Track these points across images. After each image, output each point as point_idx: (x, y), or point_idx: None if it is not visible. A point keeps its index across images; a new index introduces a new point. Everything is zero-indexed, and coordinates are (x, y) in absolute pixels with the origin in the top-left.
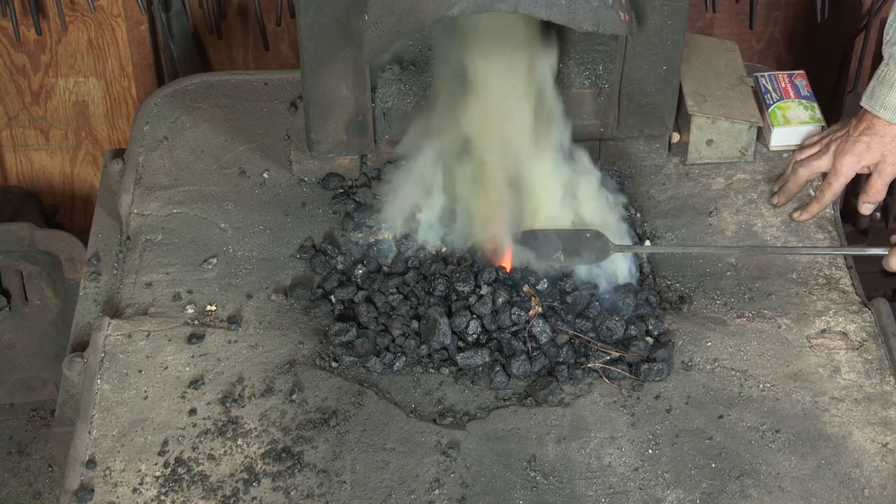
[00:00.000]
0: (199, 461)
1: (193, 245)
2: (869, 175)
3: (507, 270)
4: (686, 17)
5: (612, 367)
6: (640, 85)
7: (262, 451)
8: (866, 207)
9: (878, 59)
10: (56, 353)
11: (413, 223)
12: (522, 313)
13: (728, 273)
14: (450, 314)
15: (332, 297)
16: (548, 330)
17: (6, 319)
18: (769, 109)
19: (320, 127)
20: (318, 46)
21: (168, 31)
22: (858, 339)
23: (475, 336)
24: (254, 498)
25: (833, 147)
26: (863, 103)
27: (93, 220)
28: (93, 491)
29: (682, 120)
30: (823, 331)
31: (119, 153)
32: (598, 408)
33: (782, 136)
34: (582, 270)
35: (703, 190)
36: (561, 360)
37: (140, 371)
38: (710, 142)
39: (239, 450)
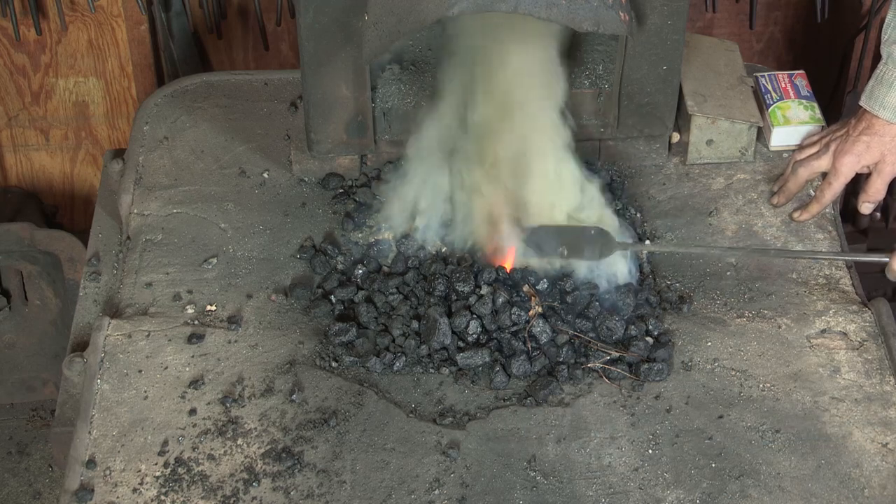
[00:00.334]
0: (199, 461)
1: (193, 245)
2: (869, 175)
3: (507, 270)
4: (686, 17)
5: (612, 367)
6: (640, 85)
7: (262, 451)
8: (866, 207)
9: (878, 58)
10: (56, 353)
11: (414, 223)
12: (522, 313)
13: (728, 273)
14: (450, 314)
15: (332, 297)
16: (548, 330)
17: (6, 319)
18: (769, 109)
19: (320, 127)
20: (318, 46)
21: (168, 31)
22: (858, 339)
23: (475, 336)
24: (254, 498)
25: (833, 147)
26: (862, 103)
27: (93, 220)
28: (93, 491)
29: (682, 120)
30: (823, 331)
31: (119, 153)
32: (598, 408)
33: (782, 136)
34: (582, 270)
35: (703, 190)
36: (561, 360)
37: (140, 371)
38: (710, 142)
39: (239, 450)
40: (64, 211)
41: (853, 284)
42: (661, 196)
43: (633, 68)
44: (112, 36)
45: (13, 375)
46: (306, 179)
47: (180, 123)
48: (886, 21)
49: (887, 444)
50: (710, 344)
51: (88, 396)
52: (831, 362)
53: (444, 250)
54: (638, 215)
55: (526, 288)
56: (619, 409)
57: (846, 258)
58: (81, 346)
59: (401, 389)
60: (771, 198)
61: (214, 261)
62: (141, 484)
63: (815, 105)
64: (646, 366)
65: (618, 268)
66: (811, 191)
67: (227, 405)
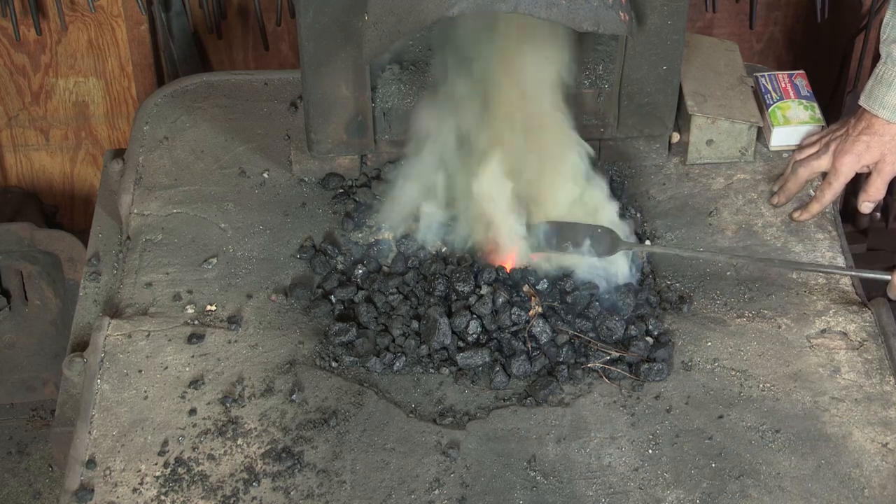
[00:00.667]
0: (199, 461)
1: (193, 245)
2: (869, 174)
3: (507, 270)
4: (686, 17)
5: (612, 367)
6: (640, 85)
7: (262, 451)
8: (866, 206)
9: (877, 58)
10: (56, 353)
11: (414, 223)
12: (522, 313)
13: (728, 273)
14: (450, 314)
15: (332, 297)
16: (548, 330)
17: (6, 319)
18: (769, 109)
19: (320, 127)
20: (318, 46)
21: (168, 31)
22: (858, 339)
23: (475, 336)
24: (254, 498)
25: (833, 147)
26: (861, 102)
27: (93, 220)
28: (93, 491)
29: (682, 120)
30: (823, 331)
31: (119, 153)
32: (598, 408)
33: (782, 136)
34: (582, 270)
35: (703, 190)
36: (561, 360)
37: (140, 371)
38: (710, 142)
39: (239, 450)
40: (64, 211)
41: (853, 284)
42: (661, 196)
43: (633, 68)
44: (112, 36)
45: (13, 375)
46: (306, 179)
47: (180, 123)
48: (885, 21)
49: (887, 444)
50: (710, 344)
51: (88, 396)
52: (831, 362)
53: (444, 250)
54: (638, 215)
55: (526, 288)
56: (619, 409)
57: (848, 273)
58: (81, 346)
59: (401, 389)
60: (771, 198)
61: (214, 261)
62: (141, 484)
63: (815, 105)
64: (646, 366)
65: (618, 268)
66: (811, 191)
67: (227, 405)
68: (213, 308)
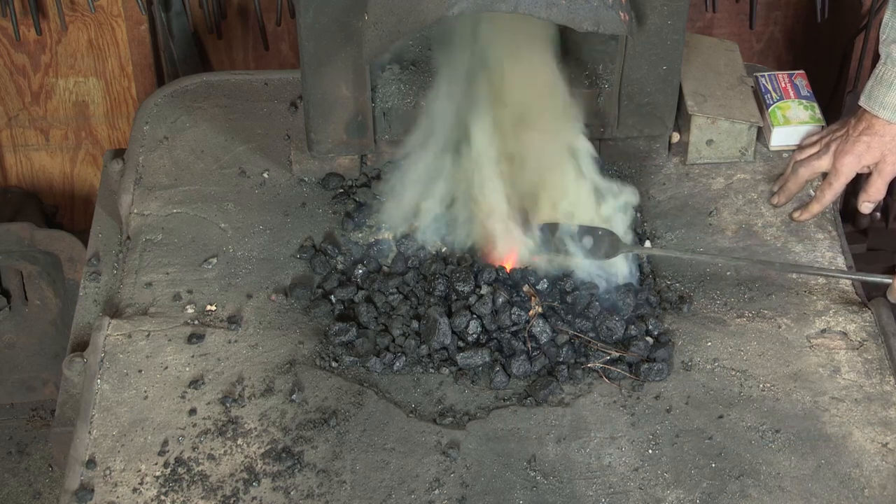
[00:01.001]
0: (199, 461)
1: (193, 245)
2: (869, 174)
3: (507, 270)
4: (686, 17)
5: (612, 367)
6: (640, 85)
7: (262, 450)
8: (866, 206)
9: (878, 58)
10: (56, 353)
11: (415, 223)
12: (522, 313)
13: (728, 273)
14: (450, 314)
15: (332, 297)
16: (548, 330)
17: (6, 319)
18: (769, 109)
19: (320, 127)
20: (318, 46)
21: (168, 31)
22: (858, 339)
23: (475, 336)
24: (254, 498)
25: (833, 147)
26: (861, 103)
27: (93, 220)
28: (93, 491)
29: (682, 120)
30: (823, 331)
31: (119, 153)
32: (598, 408)
33: (782, 136)
34: (582, 270)
35: (703, 190)
36: (561, 360)
37: (140, 371)
38: (710, 142)
39: (239, 450)
40: (64, 211)
41: (853, 285)
42: (661, 196)
43: (633, 68)
44: (112, 36)
45: (13, 375)
46: (306, 179)
47: (180, 123)
48: (884, 21)
49: (887, 444)
50: (710, 344)
51: (88, 396)
52: (831, 362)
53: (444, 250)
54: (638, 215)
55: (526, 288)
56: (619, 409)
57: (849, 277)
58: (81, 346)
59: (401, 389)
60: (771, 198)
61: (214, 261)
62: (141, 484)
63: (815, 105)
64: (646, 366)
65: (618, 268)
66: (811, 191)
67: (227, 405)
68: (213, 308)
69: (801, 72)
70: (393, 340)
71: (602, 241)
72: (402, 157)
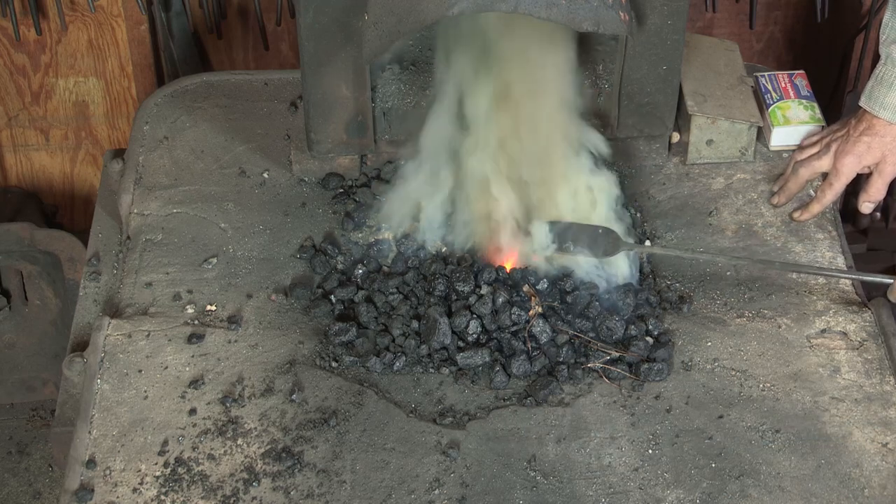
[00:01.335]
0: (199, 461)
1: (193, 245)
2: (869, 174)
3: (507, 270)
4: (686, 17)
5: (612, 367)
6: (640, 85)
7: (262, 450)
8: (866, 207)
9: (878, 58)
10: (56, 353)
11: (415, 222)
12: (522, 313)
13: (728, 273)
14: (450, 314)
15: (332, 297)
16: (548, 330)
17: (6, 319)
18: (769, 109)
19: (320, 127)
20: (318, 46)
21: (168, 31)
22: (858, 339)
23: (475, 336)
24: (254, 498)
25: (834, 147)
26: (861, 103)
27: (93, 220)
28: (93, 491)
29: (682, 120)
30: (823, 331)
31: (119, 153)
32: (598, 408)
33: (782, 136)
34: (582, 270)
35: (703, 190)
36: (561, 360)
37: (140, 371)
38: (710, 142)
39: (239, 450)
40: (64, 211)
41: (853, 284)
42: (661, 196)
43: (633, 68)
44: (112, 36)
45: (13, 375)
46: (306, 179)
47: (180, 123)
48: (884, 21)
49: (887, 444)
50: (710, 344)
51: (88, 396)
52: (831, 362)
53: (444, 250)
54: (638, 215)
55: (526, 288)
56: (619, 409)
57: (849, 277)
58: (81, 346)
59: (401, 389)
60: (771, 198)
61: (214, 261)
62: (141, 484)
63: (815, 105)
64: (646, 366)
65: (618, 268)
66: (811, 191)
67: (227, 405)
68: (213, 308)
69: (801, 72)
70: (393, 340)
71: (602, 240)
72: (403, 156)
